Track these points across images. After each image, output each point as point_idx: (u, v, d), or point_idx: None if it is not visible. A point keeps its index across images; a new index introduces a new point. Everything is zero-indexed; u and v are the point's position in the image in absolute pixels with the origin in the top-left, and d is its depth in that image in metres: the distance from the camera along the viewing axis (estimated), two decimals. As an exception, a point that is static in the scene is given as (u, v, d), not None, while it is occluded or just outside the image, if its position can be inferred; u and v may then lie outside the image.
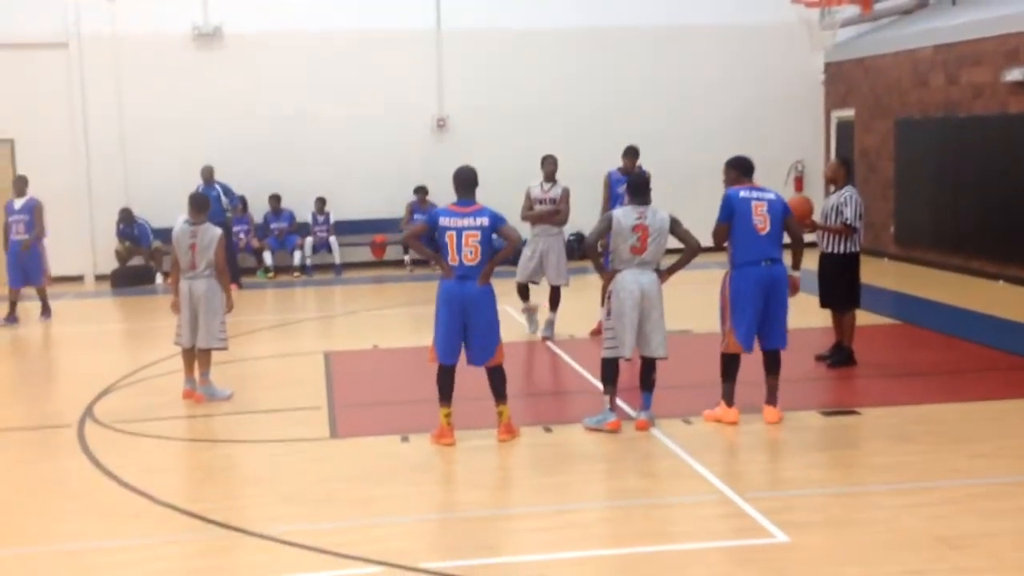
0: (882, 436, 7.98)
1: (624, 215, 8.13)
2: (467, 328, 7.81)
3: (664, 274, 8.24)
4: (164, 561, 6.05)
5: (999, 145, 14.66)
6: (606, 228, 8.20)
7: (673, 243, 8.13)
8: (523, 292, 11.93)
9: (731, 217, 8.15)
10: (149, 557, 6.08)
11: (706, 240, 8.31)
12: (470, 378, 8.14)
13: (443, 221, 7.80)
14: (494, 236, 7.82)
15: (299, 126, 18.34)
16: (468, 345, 7.86)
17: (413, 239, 8.11)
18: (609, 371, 8.19)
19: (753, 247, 8.12)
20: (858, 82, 18.49)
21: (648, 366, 8.21)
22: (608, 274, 8.24)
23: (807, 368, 10.02)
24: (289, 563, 5.91)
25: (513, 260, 10.16)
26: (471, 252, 7.74)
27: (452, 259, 7.77)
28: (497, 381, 7.96)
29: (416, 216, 18.27)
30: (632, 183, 8.40)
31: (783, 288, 8.25)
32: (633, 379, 8.53)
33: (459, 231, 7.75)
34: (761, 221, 8.11)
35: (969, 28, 15.57)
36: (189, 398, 9.45)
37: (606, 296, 8.28)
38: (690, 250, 8.15)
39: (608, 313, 8.21)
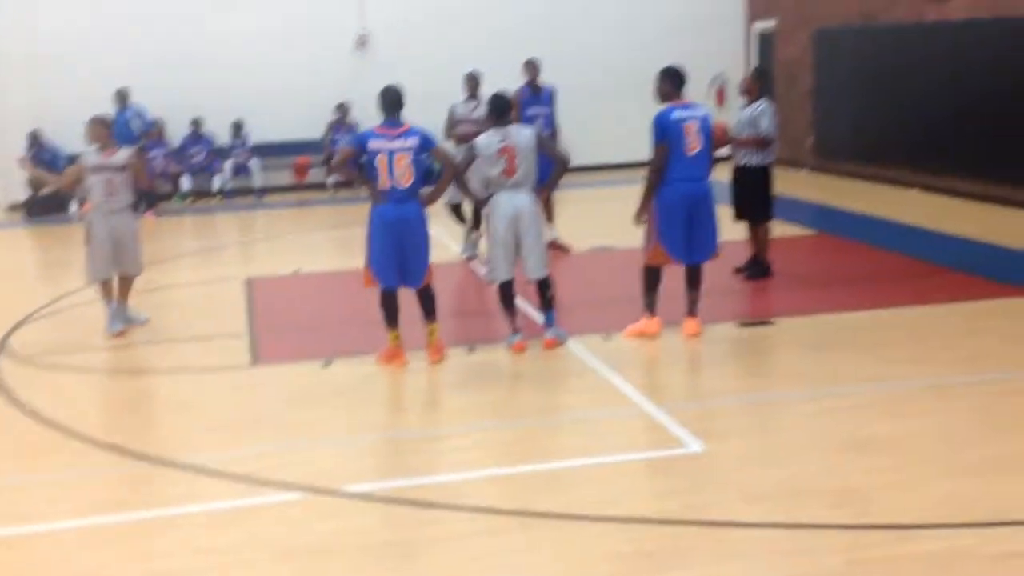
0: (797, 345, 8.15)
1: (487, 141, 8.01)
2: (403, 250, 7.75)
3: (541, 192, 8.26)
4: (81, 495, 5.97)
5: (916, 54, 14.79)
6: (471, 157, 8.04)
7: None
8: (458, 212, 11.93)
9: (665, 139, 8.16)
10: (64, 494, 5.99)
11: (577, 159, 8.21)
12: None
13: (372, 144, 7.63)
14: (424, 156, 7.72)
15: (216, 45, 17.77)
16: (403, 267, 7.79)
17: (342, 165, 7.79)
18: (503, 295, 8.22)
19: (683, 167, 8.15)
20: (779, -8, 18.47)
21: (540, 286, 8.22)
22: (483, 199, 8.18)
23: (725, 281, 10.15)
24: (210, 492, 5.90)
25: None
26: (403, 174, 7.62)
27: (384, 183, 7.63)
28: (427, 301, 7.96)
29: (337, 136, 18.02)
30: (493, 105, 8.13)
31: (710, 203, 8.31)
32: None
33: (390, 153, 7.61)
34: (692, 142, 8.16)
35: (886, -64, 15.59)
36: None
37: (484, 220, 8.27)
38: (560, 165, 8.17)
39: (487, 237, 8.21)
